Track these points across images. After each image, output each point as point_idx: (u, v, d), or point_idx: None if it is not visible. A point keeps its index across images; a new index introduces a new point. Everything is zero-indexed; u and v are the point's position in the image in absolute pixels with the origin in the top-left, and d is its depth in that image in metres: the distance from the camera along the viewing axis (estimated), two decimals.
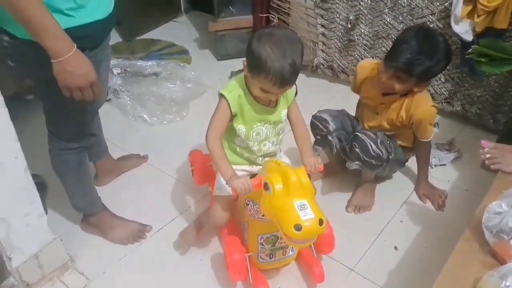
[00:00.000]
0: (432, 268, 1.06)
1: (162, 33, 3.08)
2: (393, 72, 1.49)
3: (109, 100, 2.32)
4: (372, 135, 1.59)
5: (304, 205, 1.09)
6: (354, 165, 1.62)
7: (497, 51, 1.62)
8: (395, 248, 1.60)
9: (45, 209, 1.52)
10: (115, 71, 2.42)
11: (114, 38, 2.92)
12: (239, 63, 2.75)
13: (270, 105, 1.29)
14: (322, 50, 2.46)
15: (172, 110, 2.26)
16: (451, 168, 1.94)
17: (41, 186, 1.71)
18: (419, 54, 1.44)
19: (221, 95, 1.25)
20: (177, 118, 2.25)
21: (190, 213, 1.75)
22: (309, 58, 2.51)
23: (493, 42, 1.67)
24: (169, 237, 1.64)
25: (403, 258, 1.56)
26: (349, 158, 1.63)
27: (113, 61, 2.45)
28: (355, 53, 2.36)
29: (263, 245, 1.37)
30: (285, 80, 1.14)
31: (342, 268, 1.52)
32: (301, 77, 2.53)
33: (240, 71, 2.50)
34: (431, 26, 2.04)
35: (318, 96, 2.40)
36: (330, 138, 1.70)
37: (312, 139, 1.67)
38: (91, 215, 1.59)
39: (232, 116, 1.26)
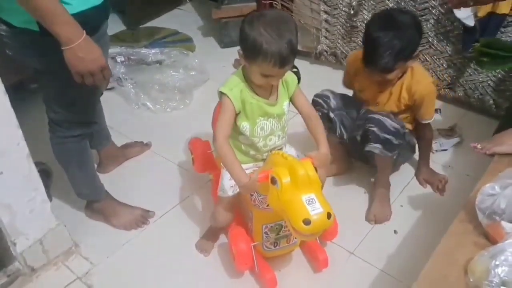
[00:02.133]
0: (431, 251, 1.07)
1: (166, 21, 3.07)
2: (378, 72, 1.51)
3: (112, 88, 2.34)
4: (382, 113, 1.58)
5: (312, 199, 1.09)
6: (373, 148, 1.56)
7: (498, 49, 1.60)
8: (395, 232, 1.61)
9: (49, 196, 1.57)
10: (118, 59, 2.44)
11: (118, 26, 2.92)
12: None
13: (271, 98, 1.28)
14: (325, 37, 2.45)
15: (176, 98, 2.27)
16: (452, 153, 1.94)
17: (46, 173, 1.74)
18: (390, 44, 1.43)
19: (222, 94, 1.22)
20: (180, 105, 2.27)
21: (192, 199, 1.77)
22: (312, 45, 2.51)
23: (493, 40, 1.67)
24: (172, 223, 1.67)
25: (402, 242, 1.57)
26: (366, 142, 1.58)
27: (116, 49, 2.47)
28: (358, 39, 2.34)
29: (268, 234, 1.37)
30: (284, 59, 1.13)
31: (342, 252, 1.54)
32: (304, 64, 2.61)
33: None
34: (433, 11, 2.02)
35: (322, 83, 2.34)
36: (332, 115, 1.66)
37: None
38: (95, 202, 1.62)
39: (236, 114, 1.25)
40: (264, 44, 1.11)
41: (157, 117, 2.22)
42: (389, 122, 1.54)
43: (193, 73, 2.38)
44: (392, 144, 1.55)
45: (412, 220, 1.65)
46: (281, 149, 1.38)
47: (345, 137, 1.69)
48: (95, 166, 1.73)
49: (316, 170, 1.16)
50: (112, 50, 2.42)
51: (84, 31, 1.09)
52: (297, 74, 2.38)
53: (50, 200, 1.66)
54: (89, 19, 1.17)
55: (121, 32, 2.90)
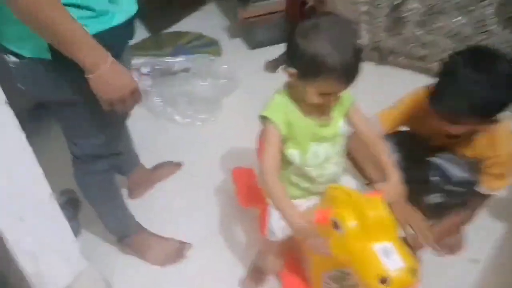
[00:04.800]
0: None
1: (189, 23, 2.89)
2: (445, 118, 1.18)
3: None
4: (450, 157, 1.29)
5: (388, 250, 0.87)
6: (432, 199, 1.33)
7: None
8: (473, 261, 1.38)
9: (77, 227, 1.43)
10: (143, 71, 2.28)
11: (140, 33, 2.78)
12: (273, 51, 2.59)
13: (323, 118, 1.08)
14: (366, 31, 2.21)
15: (205, 110, 2.10)
16: None
17: (73, 203, 1.61)
18: (479, 91, 1.10)
19: (265, 119, 1.04)
20: (211, 118, 2.09)
21: (231, 227, 1.59)
22: None
23: None
24: (211, 256, 1.49)
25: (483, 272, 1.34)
26: (425, 193, 1.34)
27: (140, 60, 2.31)
28: (405, 31, 2.10)
29: (329, 284, 1.16)
30: (352, 71, 0.95)
31: None
32: None
33: (276, 62, 2.30)
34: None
35: (363, 82, 2.14)
36: None
37: None
38: (126, 237, 1.46)
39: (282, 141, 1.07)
40: (327, 58, 0.92)
41: (187, 132, 2.05)
42: (457, 172, 1.26)
43: (222, 81, 2.19)
44: (458, 193, 1.30)
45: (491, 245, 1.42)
46: (338, 179, 1.18)
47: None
48: (125, 192, 1.58)
49: (390, 209, 0.95)
50: (136, 61, 2.27)
51: (109, 54, 0.93)
52: None
53: (78, 232, 1.53)
54: (111, 41, 0.99)
55: (144, 40, 2.74)
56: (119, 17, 1.02)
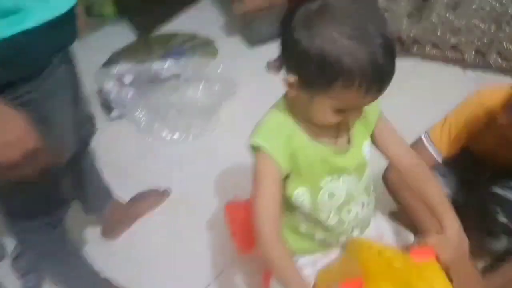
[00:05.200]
0: None
1: (182, 22, 2.59)
2: None
3: (120, 117, 1.88)
4: None
5: None
6: (500, 243, 0.98)
7: None
8: None
9: None
10: (126, 80, 1.97)
11: (128, 36, 2.48)
12: (276, 48, 2.23)
13: (341, 141, 0.76)
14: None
15: (198, 122, 1.78)
16: None
17: None
18: None
19: (256, 149, 0.72)
20: (205, 131, 1.77)
21: (229, 275, 1.27)
22: None
23: None
24: None
25: None
26: (489, 234, 1.00)
27: (122, 67, 2.00)
28: (432, 17, 1.74)
29: None
30: (383, 75, 0.62)
31: None
32: None
33: (276, 63, 1.96)
34: None
35: None
36: None
37: None
38: None
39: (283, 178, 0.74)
40: (344, 57, 0.59)
41: (177, 150, 1.73)
42: None
43: (217, 86, 1.87)
44: None
45: None
46: (368, 225, 0.84)
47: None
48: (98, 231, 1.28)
49: (448, 275, 0.63)
50: (118, 69, 1.97)
51: None
52: None
53: None
54: (24, 51, 0.68)
55: (131, 44, 2.45)
56: (39, 16, 0.71)
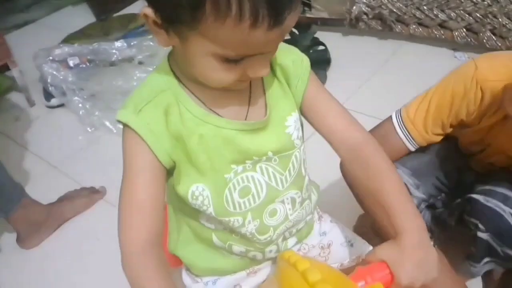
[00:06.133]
0: None
1: (144, 4, 2.34)
2: None
3: (61, 105, 1.65)
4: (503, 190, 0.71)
5: None
6: (483, 266, 0.74)
7: None
8: None
9: None
10: (71, 62, 1.73)
11: (85, 18, 2.26)
12: None
13: (254, 113, 0.54)
14: None
15: None
16: None
17: None
18: None
19: (124, 125, 0.51)
20: None
21: None
22: (343, 7, 1.70)
23: None
24: None
25: None
26: (469, 257, 0.76)
27: (68, 49, 1.77)
28: None
29: None
30: None
31: None
32: (334, 38, 1.79)
33: None
34: None
35: (364, 62, 1.61)
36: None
37: None
38: None
39: (167, 169, 0.53)
40: None
41: (119, 142, 1.49)
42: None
43: None
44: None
45: None
46: (308, 229, 0.64)
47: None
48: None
49: None
50: (64, 50, 1.74)
51: None
52: (324, 54, 1.59)
53: None
54: None
55: (88, 25, 2.22)
56: None
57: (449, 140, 0.81)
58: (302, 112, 0.57)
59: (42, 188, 1.30)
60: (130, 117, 0.49)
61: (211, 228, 0.57)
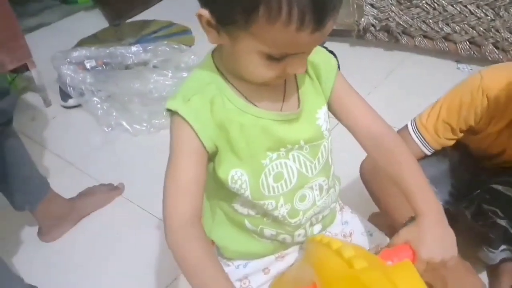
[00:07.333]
0: None
1: (158, 11, 2.43)
2: None
3: (78, 106, 1.71)
4: None
5: None
6: (500, 253, 0.81)
7: None
8: None
9: None
10: (87, 65, 1.79)
11: (98, 23, 2.31)
12: None
13: (287, 106, 0.59)
14: (372, 5, 1.71)
15: (163, 113, 1.60)
16: None
17: None
18: None
19: (173, 113, 0.56)
20: (169, 123, 1.58)
21: (179, 285, 1.09)
22: (352, 18, 1.77)
23: None
24: None
25: None
26: (486, 241, 0.83)
27: (84, 52, 1.83)
28: (424, 2, 1.58)
29: None
30: (324, 2, 0.45)
31: None
32: (342, 48, 1.86)
33: None
34: None
35: (371, 72, 1.68)
36: None
37: None
38: None
39: (209, 155, 0.58)
40: None
41: (137, 142, 1.55)
42: None
43: (185, 74, 1.70)
44: None
45: None
46: (331, 215, 0.68)
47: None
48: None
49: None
50: (79, 53, 1.80)
51: None
52: None
53: None
54: None
55: (102, 30, 2.28)
56: None
57: (461, 148, 0.87)
58: (329, 106, 0.63)
59: (61, 184, 1.33)
60: (179, 106, 0.55)
61: (243, 213, 0.63)
